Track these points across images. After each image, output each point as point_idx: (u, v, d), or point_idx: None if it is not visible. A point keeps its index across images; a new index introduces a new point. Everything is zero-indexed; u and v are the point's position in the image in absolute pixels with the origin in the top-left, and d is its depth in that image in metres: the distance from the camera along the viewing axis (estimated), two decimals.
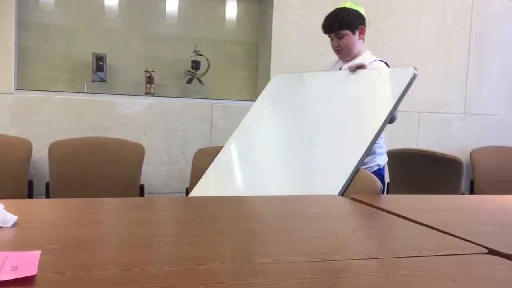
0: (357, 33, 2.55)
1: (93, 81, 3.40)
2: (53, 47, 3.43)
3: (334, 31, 2.55)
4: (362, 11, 2.61)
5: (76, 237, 1.14)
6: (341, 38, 2.54)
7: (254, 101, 3.67)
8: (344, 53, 2.57)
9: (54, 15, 3.41)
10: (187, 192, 3.13)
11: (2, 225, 1.14)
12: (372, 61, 2.49)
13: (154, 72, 3.50)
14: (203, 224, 1.34)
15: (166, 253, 1.06)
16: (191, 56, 3.63)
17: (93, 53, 3.39)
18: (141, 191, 3.08)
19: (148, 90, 3.48)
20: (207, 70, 3.66)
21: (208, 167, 2.98)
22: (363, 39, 2.60)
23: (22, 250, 0.97)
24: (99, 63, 3.40)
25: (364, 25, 2.59)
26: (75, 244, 1.08)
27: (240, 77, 3.82)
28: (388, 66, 2.50)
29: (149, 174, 3.33)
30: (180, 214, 1.51)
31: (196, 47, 3.64)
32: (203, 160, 3.12)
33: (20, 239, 1.11)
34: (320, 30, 3.41)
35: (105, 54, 3.41)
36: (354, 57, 2.56)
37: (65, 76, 3.47)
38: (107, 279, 0.88)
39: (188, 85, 3.64)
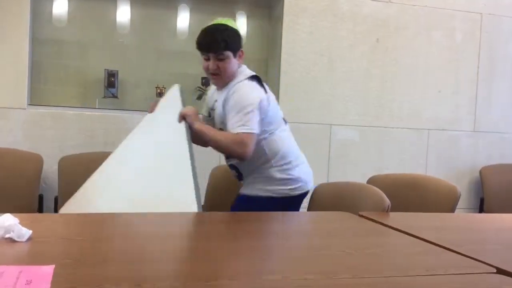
0: (237, 57, 2.23)
1: (104, 97, 3.44)
2: (66, 62, 3.48)
3: (216, 51, 2.17)
4: (239, 31, 2.30)
5: (88, 252, 1.16)
6: (221, 60, 2.18)
7: None
8: (220, 78, 2.23)
9: (67, 31, 3.46)
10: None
11: (17, 239, 1.17)
12: (238, 82, 2.22)
13: (164, 88, 3.53)
14: (211, 240, 1.36)
15: (176, 269, 1.07)
16: (201, 72, 3.66)
17: (105, 69, 3.43)
18: None
19: None
20: None
21: (217, 184, 2.99)
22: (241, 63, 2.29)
23: (37, 265, 0.99)
24: (111, 79, 3.44)
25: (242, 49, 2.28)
26: (88, 259, 1.10)
27: None
28: (260, 81, 2.26)
29: None
30: (190, 230, 1.53)
31: None
32: (216, 177, 3.13)
33: (34, 253, 1.13)
34: (328, 48, 3.33)
35: (117, 71, 3.46)
36: (227, 82, 2.24)
37: (77, 91, 3.52)
38: None
39: (198, 101, 3.66)
